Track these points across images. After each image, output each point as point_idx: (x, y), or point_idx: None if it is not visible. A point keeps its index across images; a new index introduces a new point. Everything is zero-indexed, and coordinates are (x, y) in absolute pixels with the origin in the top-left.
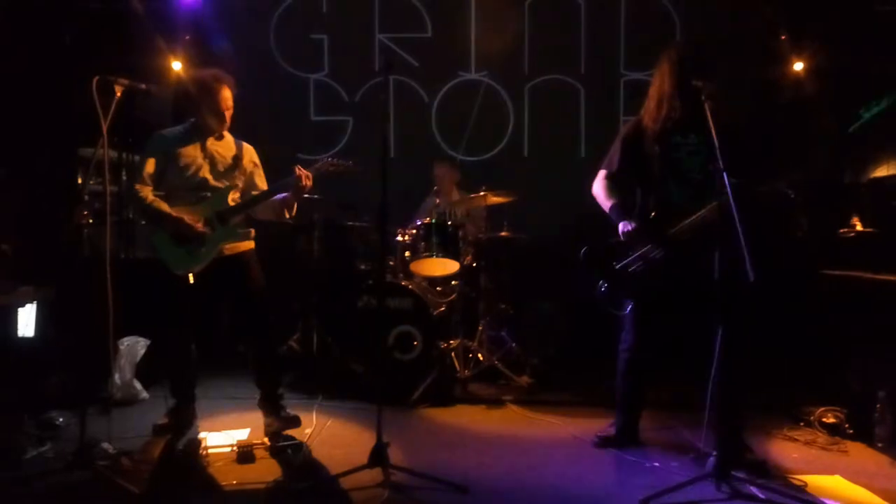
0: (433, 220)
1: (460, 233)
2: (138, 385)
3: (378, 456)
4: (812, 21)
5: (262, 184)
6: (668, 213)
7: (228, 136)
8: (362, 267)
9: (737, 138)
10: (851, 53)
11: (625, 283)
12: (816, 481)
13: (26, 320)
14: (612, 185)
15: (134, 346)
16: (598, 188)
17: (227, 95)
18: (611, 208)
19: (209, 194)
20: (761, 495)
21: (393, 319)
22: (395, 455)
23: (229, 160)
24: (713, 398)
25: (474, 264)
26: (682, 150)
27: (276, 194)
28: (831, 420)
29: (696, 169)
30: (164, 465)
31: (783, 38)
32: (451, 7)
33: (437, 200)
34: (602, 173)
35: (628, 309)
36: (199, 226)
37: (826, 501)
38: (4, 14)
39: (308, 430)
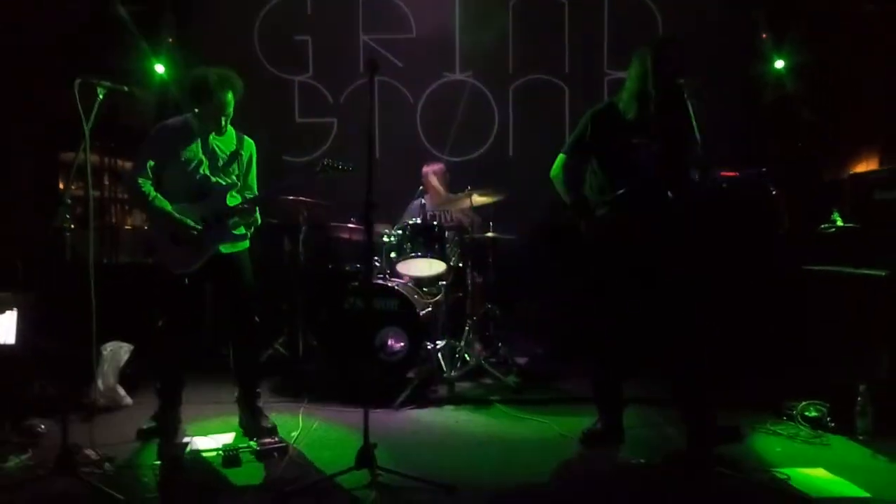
0: (420, 221)
1: (447, 233)
2: (122, 391)
3: (365, 457)
4: (794, 18)
5: (252, 182)
6: (620, 205)
7: (230, 129)
8: (348, 268)
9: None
10: (832, 51)
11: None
12: (800, 474)
13: (6, 327)
14: (572, 173)
15: (117, 352)
16: (560, 174)
17: (228, 100)
18: (573, 203)
19: (208, 193)
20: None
21: (379, 320)
22: (382, 456)
23: (228, 155)
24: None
25: (461, 264)
26: (640, 148)
27: (276, 196)
28: (814, 414)
29: (650, 168)
30: (148, 471)
31: (764, 36)
32: (436, 8)
33: (424, 201)
34: (561, 157)
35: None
36: (198, 226)
37: (809, 494)
38: None
39: (294, 433)
